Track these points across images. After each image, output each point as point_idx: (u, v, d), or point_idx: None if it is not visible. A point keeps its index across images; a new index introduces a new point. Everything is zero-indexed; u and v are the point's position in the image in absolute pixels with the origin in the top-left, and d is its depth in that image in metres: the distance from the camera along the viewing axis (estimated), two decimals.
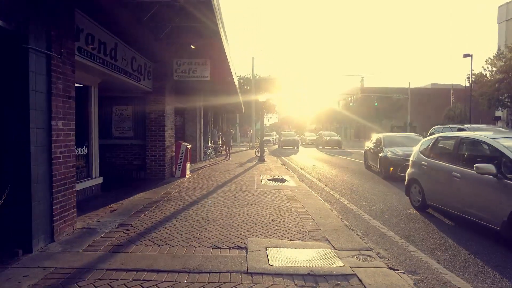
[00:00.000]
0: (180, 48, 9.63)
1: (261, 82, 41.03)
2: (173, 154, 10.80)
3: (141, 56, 9.11)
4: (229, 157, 17.60)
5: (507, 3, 38.08)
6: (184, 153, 10.55)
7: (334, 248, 4.46)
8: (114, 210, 6.18)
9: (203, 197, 7.56)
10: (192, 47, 9.05)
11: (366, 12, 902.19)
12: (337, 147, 30.20)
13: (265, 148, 21.14)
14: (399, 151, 11.01)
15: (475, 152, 5.77)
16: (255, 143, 32.42)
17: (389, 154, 11.10)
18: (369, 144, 14.23)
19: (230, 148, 18.44)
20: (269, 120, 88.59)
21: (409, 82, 44.75)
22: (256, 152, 20.06)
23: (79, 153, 7.17)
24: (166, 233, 4.93)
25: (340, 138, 32.32)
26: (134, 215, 5.86)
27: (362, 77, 31.14)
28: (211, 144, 20.64)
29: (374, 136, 14.14)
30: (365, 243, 4.73)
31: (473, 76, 31.19)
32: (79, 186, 6.89)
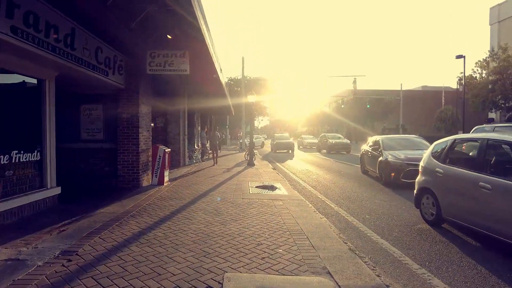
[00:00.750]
0: (157, 39, 8.49)
1: (252, 84, 40.01)
2: (150, 159, 9.61)
3: (110, 48, 7.93)
4: (216, 161, 16.41)
5: (499, 4, 37.84)
6: (161, 158, 9.38)
7: (339, 286, 3.36)
8: (63, 231, 4.98)
9: (178, 211, 6.40)
10: (169, 36, 7.92)
11: (358, 14, 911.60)
12: (345, 152, 26.06)
13: (255, 151, 20.06)
14: (401, 154, 10.02)
15: (507, 157, 4.75)
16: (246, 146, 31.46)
17: (390, 158, 10.09)
18: (365, 147, 13.25)
19: (218, 151, 17.21)
20: (260, 122, 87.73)
21: (401, 84, 44.21)
22: (246, 156, 18.97)
23: (27, 159, 5.96)
24: (118, 265, 3.76)
25: (349, 142, 28.35)
26: (86, 238, 4.67)
27: (355, 78, 30.35)
28: (198, 147, 19.45)
29: (371, 139, 13.17)
30: (378, 275, 3.64)
31: (464, 79, 30.67)
32: (23, 200, 5.69)
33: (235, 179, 10.97)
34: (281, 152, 27.66)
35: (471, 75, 31.92)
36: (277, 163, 18.07)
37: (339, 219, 6.39)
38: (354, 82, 30.63)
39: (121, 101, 8.93)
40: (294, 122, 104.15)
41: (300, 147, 35.94)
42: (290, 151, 27.58)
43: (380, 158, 10.66)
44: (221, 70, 12.77)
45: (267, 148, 38.26)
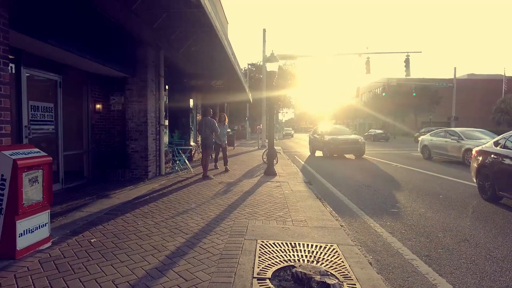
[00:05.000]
0: None
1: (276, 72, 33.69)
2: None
3: None
4: (216, 165, 10.51)
5: None
6: (10, 181, 3.43)
7: None
8: None
9: None
10: None
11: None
12: (356, 155, 16.37)
13: (278, 150, 13.98)
14: None
15: None
16: (266, 141, 25.29)
17: None
18: (490, 148, 6.93)
19: (226, 151, 10.71)
20: (284, 115, 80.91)
21: (455, 68, 36.44)
22: (265, 156, 12.95)
23: None
24: None
25: (361, 138, 17.02)
26: None
27: (407, 56, 23.30)
28: (196, 144, 13.56)
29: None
30: None
31: None
32: None
33: (226, 222, 4.96)
34: (342, 158, 16.02)
35: None
36: (314, 172, 11.90)
37: None
38: (407, 61, 23.49)
39: None
40: (320, 115, 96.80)
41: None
42: (359, 155, 16.25)
43: None
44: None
45: (295, 143, 31.82)
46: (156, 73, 8.75)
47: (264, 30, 23.80)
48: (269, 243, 3.90)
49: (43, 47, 5.35)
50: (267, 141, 25.00)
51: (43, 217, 3.68)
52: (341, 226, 4.79)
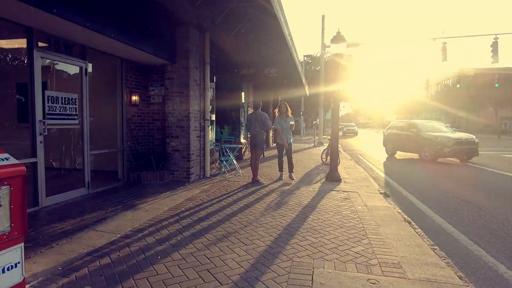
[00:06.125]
0: None
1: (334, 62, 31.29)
2: None
3: None
4: (255, 176, 7.43)
5: None
6: None
7: None
8: None
9: None
10: None
11: None
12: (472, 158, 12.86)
13: (340, 149, 12.07)
14: None
15: None
16: (324, 136, 23.19)
17: None
18: None
19: (260, 156, 8.04)
20: (341, 109, 77.20)
21: None
22: (324, 157, 11.22)
23: None
24: None
25: (474, 137, 13.08)
26: None
27: (495, 38, 19.69)
28: (246, 141, 12.28)
29: None
30: None
31: None
32: None
33: (280, 263, 3.47)
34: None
35: None
36: (387, 177, 9.94)
37: None
38: (494, 45, 19.87)
39: None
40: (380, 110, 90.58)
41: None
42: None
43: None
44: None
45: (354, 140, 28.95)
46: (200, 59, 7.51)
47: (323, 17, 21.79)
48: None
49: (57, 23, 4.29)
50: (324, 137, 23.10)
51: (12, 255, 2.49)
52: (460, 278, 3.03)
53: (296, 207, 5.29)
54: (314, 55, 40.26)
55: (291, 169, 7.92)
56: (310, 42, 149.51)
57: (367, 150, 18.74)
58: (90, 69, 5.77)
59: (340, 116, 9.01)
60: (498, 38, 19.92)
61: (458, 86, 33.81)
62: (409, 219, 4.89)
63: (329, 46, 21.39)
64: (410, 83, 71.03)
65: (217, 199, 5.71)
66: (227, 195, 6.08)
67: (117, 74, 6.68)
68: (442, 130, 13.64)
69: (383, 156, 14.92)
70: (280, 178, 7.79)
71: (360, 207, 5.44)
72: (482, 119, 44.14)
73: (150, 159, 6.82)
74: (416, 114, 67.45)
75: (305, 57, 40.59)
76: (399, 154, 14.97)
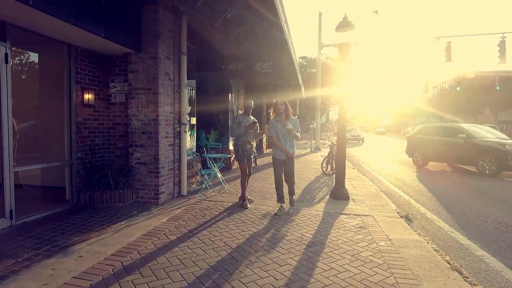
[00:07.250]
0: None
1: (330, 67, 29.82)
2: None
3: None
4: (242, 196, 5.72)
5: None
6: None
7: None
8: None
9: None
10: None
11: None
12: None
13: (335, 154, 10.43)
14: None
15: None
16: (321, 141, 21.72)
17: None
18: None
19: (251, 166, 6.26)
20: (336, 114, 76.01)
21: None
22: (325, 165, 9.75)
23: None
24: None
25: None
26: None
27: (503, 37, 18.56)
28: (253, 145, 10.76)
29: None
30: None
31: None
32: None
33: None
34: None
35: None
36: (401, 192, 8.53)
37: None
38: (501, 45, 18.70)
39: None
40: (373, 115, 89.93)
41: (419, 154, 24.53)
42: None
43: None
44: None
45: (351, 143, 26.61)
46: (174, 49, 6.02)
47: (320, 14, 20.49)
48: None
49: None
50: (321, 142, 21.68)
51: None
52: None
53: (297, 246, 3.81)
54: (310, 57, 39.21)
55: (292, 192, 5.60)
56: (304, 43, 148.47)
57: (365, 156, 17.32)
58: (27, 57, 4.27)
59: (334, 120, 7.58)
60: (505, 37, 18.75)
61: (458, 88, 32.67)
62: (457, 265, 3.45)
63: (326, 46, 20.10)
64: (408, 85, 70.12)
65: (188, 234, 4.19)
66: (204, 225, 4.57)
67: (64, 65, 5.17)
68: (501, 137, 11.20)
69: (388, 163, 13.50)
70: (280, 211, 5.24)
71: (383, 242, 3.99)
72: (480, 123, 43.18)
73: (107, 175, 5.29)
74: (412, 118, 66.50)
75: (300, 59, 39.37)
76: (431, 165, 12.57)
